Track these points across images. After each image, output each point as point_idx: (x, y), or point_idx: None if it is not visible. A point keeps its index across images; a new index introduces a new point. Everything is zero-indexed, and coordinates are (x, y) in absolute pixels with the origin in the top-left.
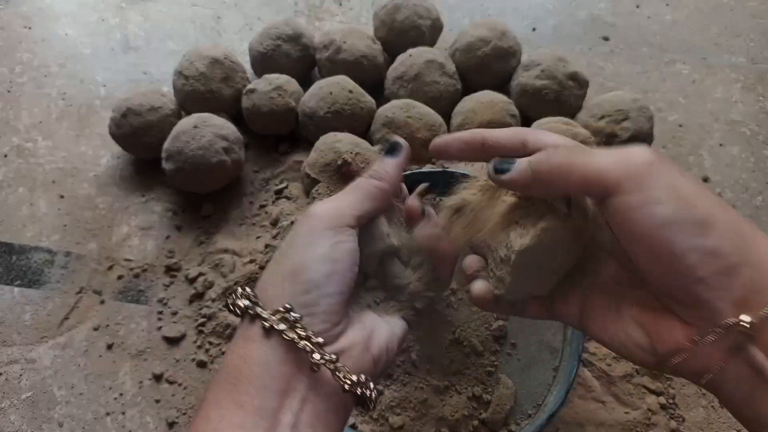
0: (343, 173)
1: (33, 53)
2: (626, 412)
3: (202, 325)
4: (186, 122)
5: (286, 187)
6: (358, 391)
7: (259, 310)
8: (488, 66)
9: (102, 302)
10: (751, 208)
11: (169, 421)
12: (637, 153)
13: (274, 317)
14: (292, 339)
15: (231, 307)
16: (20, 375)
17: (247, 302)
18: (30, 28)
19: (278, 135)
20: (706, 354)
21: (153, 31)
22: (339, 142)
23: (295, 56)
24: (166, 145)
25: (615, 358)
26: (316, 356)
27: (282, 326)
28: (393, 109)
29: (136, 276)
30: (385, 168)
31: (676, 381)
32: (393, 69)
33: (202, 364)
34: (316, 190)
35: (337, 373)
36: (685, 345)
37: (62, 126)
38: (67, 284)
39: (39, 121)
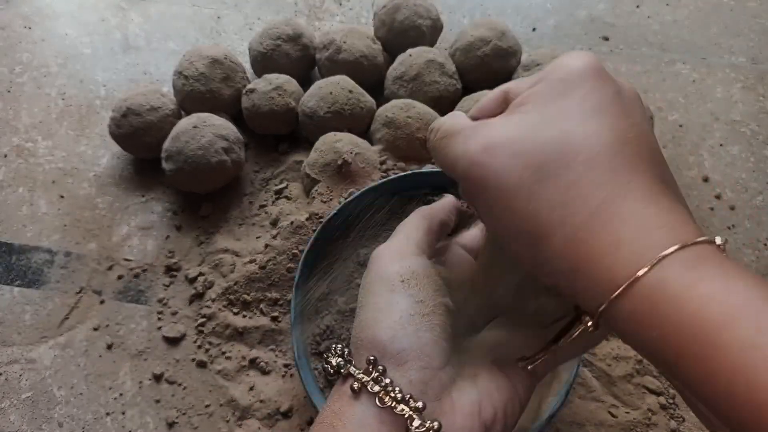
0: (343, 173)
1: (33, 53)
2: (626, 412)
3: (202, 325)
4: (186, 122)
5: (286, 187)
6: None
7: (352, 369)
8: (488, 66)
9: (102, 302)
10: (751, 208)
11: (169, 421)
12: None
13: (364, 375)
14: (388, 405)
15: (325, 366)
16: (20, 375)
17: (340, 360)
18: (30, 28)
19: (278, 135)
20: None
21: (153, 31)
22: (339, 142)
23: (295, 56)
24: (166, 145)
25: (615, 357)
26: (416, 424)
27: (376, 388)
28: (393, 109)
29: (136, 276)
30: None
31: None
32: (393, 69)
33: (202, 365)
34: (316, 190)
35: None
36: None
37: (62, 126)
38: (67, 284)
39: (39, 121)
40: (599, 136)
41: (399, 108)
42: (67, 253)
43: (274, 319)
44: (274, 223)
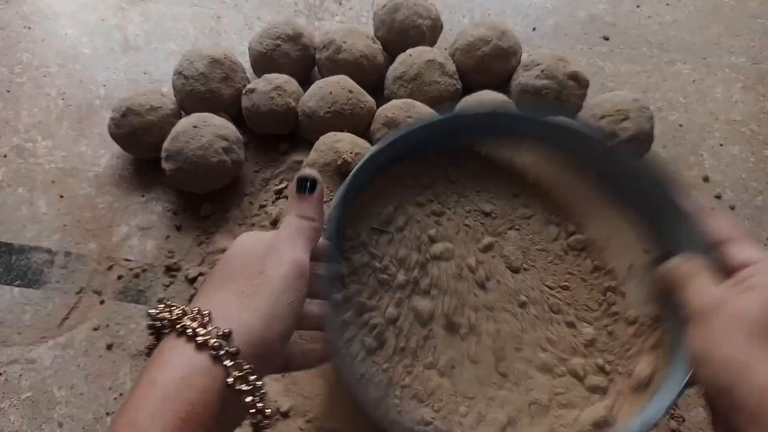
0: (343, 173)
1: (33, 53)
2: None
3: None
4: (186, 122)
5: (285, 187)
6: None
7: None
8: (488, 66)
9: (102, 302)
10: (752, 208)
11: None
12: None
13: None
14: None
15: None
16: (20, 375)
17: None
18: (30, 28)
19: (278, 135)
20: None
21: (153, 31)
22: (339, 142)
23: (294, 56)
24: (166, 144)
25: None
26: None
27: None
28: (393, 108)
29: (136, 276)
30: (312, 207)
31: None
32: (393, 69)
33: None
34: None
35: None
36: None
37: (62, 126)
38: (67, 284)
39: (39, 121)
40: None
41: (399, 108)
42: (67, 253)
43: None
44: (274, 223)
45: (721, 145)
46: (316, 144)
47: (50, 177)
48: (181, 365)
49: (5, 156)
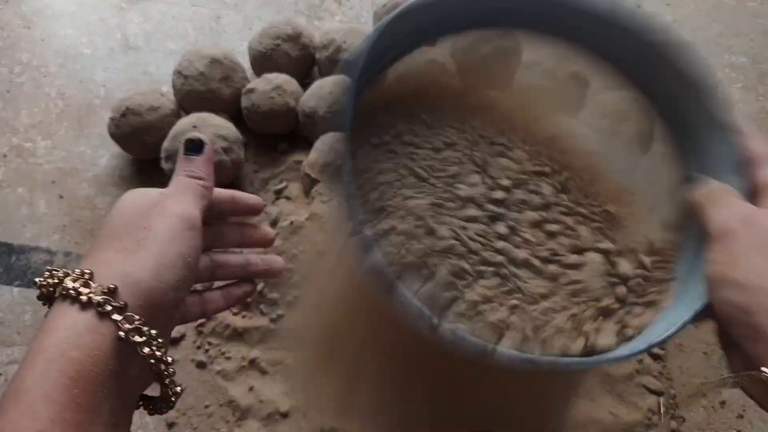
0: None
1: (33, 53)
2: (627, 412)
3: (202, 325)
4: (185, 122)
5: (285, 187)
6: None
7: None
8: (488, 66)
9: None
10: None
11: (169, 421)
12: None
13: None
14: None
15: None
16: None
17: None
18: (30, 28)
19: (278, 134)
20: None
21: (153, 31)
22: (339, 142)
23: (294, 56)
24: (166, 144)
25: None
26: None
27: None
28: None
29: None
30: (200, 167)
31: (676, 381)
32: (393, 69)
33: (201, 365)
34: (316, 190)
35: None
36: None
37: (62, 126)
38: None
39: (38, 121)
40: None
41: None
42: (67, 253)
43: (273, 320)
44: (274, 223)
45: None
46: (316, 144)
47: (50, 177)
48: (65, 327)
49: (5, 156)
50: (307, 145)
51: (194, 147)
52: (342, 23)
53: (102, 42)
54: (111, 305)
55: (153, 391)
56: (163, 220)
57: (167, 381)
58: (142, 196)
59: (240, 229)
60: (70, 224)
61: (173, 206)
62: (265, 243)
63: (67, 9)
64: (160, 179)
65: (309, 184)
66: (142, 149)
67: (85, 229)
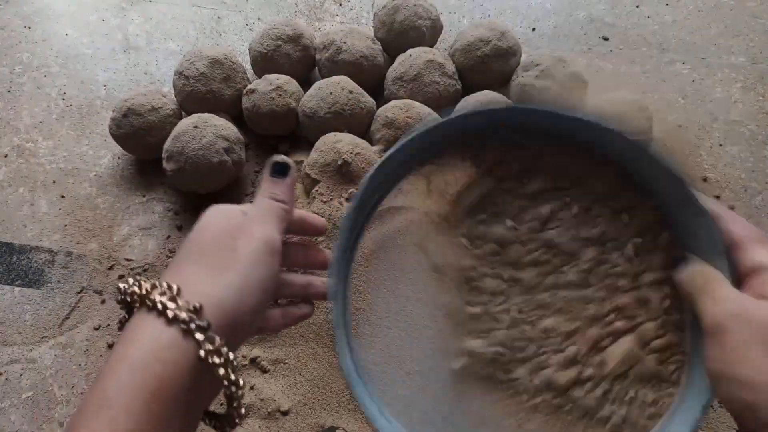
0: (343, 173)
1: (33, 53)
2: None
3: None
4: (186, 122)
5: None
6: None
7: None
8: (488, 66)
9: (102, 302)
10: (751, 208)
11: None
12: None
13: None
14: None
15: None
16: (21, 375)
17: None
18: (30, 28)
19: (278, 135)
20: None
21: (153, 32)
22: (339, 142)
23: (295, 57)
24: (167, 145)
25: None
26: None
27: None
28: (393, 109)
29: (137, 276)
30: (284, 190)
31: None
32: (393, 69)
33: None
34: (316, 190)
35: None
36: None
37: (63, 126)
38: (68, 284)
39: (39, 121)
40: None
41: (399, 108)
42: (68, 253)
43: None
44: None
45: (720, 145)
46: (317, 144)
47: (51, 177)
48: (149, 339)
49: (6, 156)
50: (307, 145)
51: (281, 170)
52: (342, 24)
53: (103, 42)
54: (195, 323)
55: (215, 406)
56: (248, 243)
57: (235, 403)
58: (227, 213)
59: (305, 250)
60: (72, 224)
61: (258, 229)
62: (326, 267)
63: (67, 9)
64: (161, 179)
65: (309, 185)
66: (144, 149)
67: (86, 229)
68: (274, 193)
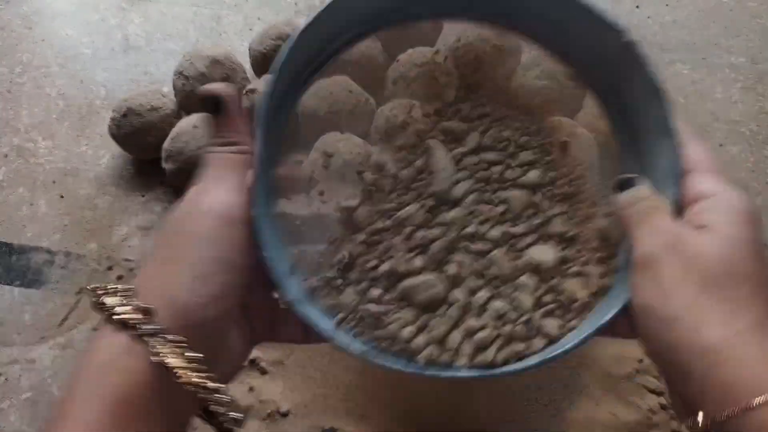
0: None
1: (33, 53)
2: (627, 413)
3: None
4: (186, 122)
5: None
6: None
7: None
8: (488, 66)
9: None
10: None
11: None
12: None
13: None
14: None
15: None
16: (20, 375)
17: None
18: (30, 28)
19: None
20: None
21: (153, 31)
22: (339, 142)
23: None
24: (166, 145)
25: (616, 358)
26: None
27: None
28: (393, 109)
29: (137, 276)
30: (228, 128)
31: None
32: (393, 69)
33: None
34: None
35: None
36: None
37: (62, 126)
38: (67, 284)
39: (39, 121)
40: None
41: (399, 108)
42: (67, 253)
43: None
44: None
45: (720, 145)
46: (316, 144)
47: (50, 177)
48: (103, 348)
49: (5, 156)
50: (307, 145)
51: (213, 106)
52: None
53: (102, 42)
54: (144, 327)
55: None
56: (194, 221)
57: (211, 408)
58: (187, 194)
59: None
60: (71, 224)
61: (205, 200)
62: None
63: (67, 9)
64: (160, 179)
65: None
66: (143, 149)
67: (86, 230)
68: (218, 138)
